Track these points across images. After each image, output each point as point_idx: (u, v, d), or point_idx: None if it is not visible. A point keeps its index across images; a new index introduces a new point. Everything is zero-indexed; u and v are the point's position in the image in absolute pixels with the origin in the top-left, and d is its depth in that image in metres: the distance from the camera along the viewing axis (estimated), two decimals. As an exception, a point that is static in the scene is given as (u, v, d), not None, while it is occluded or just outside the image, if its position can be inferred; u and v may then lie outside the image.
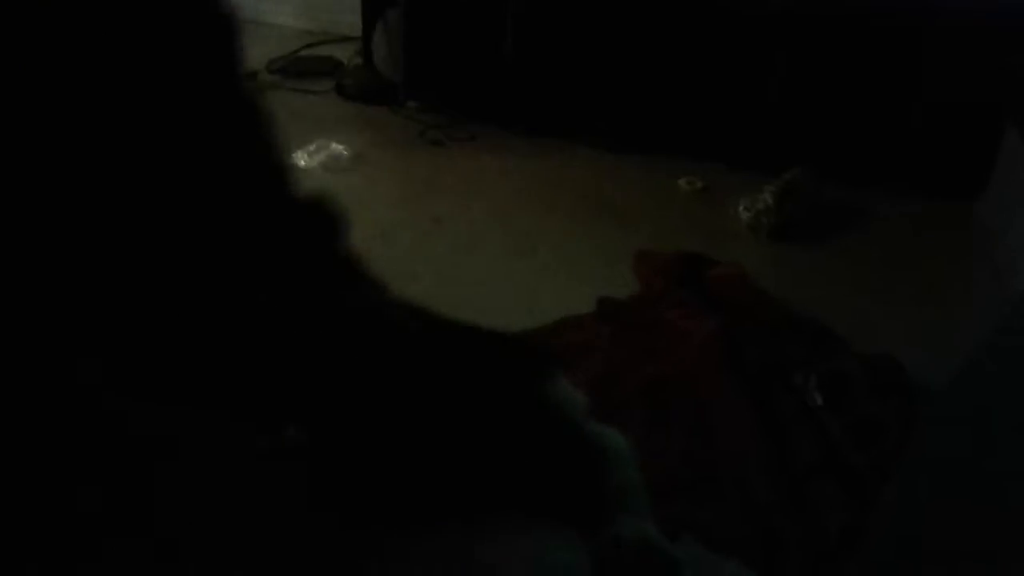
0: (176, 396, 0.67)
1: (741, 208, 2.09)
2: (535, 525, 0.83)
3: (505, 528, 0.81)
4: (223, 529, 0.74)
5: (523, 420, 0.78)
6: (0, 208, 0.52)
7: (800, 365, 1.53)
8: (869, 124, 2.22)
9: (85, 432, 0.68)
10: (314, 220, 0.73)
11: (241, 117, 0.65)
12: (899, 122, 2.19)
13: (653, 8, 2.27)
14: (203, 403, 0.69)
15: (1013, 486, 0.79)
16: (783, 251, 2.00)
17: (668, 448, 1.38)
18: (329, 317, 0.75)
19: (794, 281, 1.86)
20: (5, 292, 0.53)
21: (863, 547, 1.17)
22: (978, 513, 0.83)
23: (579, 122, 2.42)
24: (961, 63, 2.10)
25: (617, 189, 2.24)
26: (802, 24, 2.15)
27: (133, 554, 0.70)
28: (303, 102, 2.66)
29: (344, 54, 2.88)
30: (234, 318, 0.65)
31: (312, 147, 2.32)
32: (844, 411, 1.43)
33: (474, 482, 0.78)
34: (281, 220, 0.69)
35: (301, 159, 2.29)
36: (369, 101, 2.64)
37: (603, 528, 0.83)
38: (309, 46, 3.02)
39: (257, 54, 2.90)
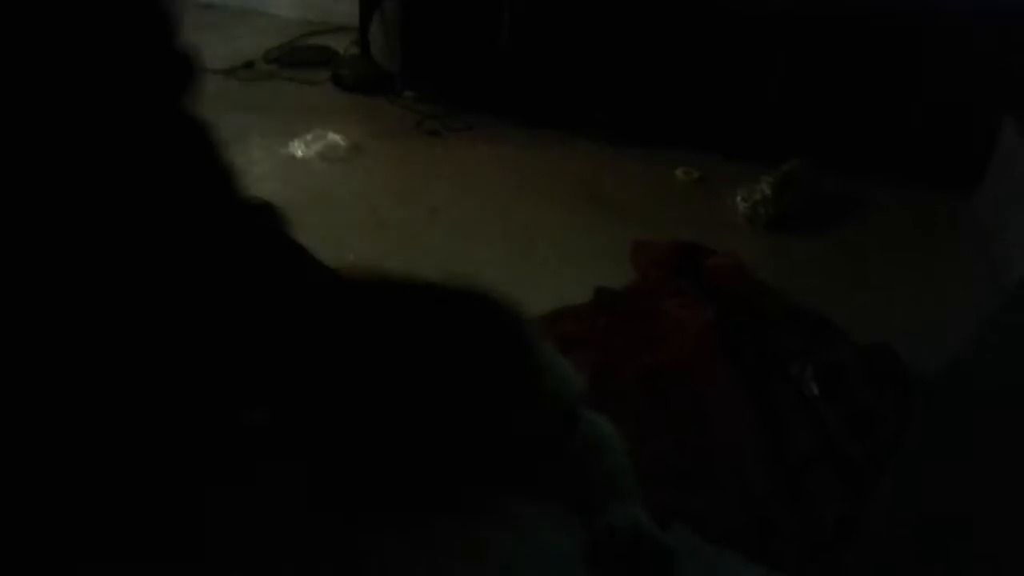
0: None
1: (738, 199, 2.08)
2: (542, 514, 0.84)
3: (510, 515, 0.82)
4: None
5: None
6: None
7: (797, 355, 1.53)
8: (867, 116, 2.22)
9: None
10: (261, 215, 0.75)
11: (190, 132, 0.67)
12: (897, 114, 2.19)
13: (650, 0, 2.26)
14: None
15: (1008, 476, 0.80)
16: (780, 242, 2.01)
17: (664, 437, 1.38)
18: (289, 298, 0.76)
19: (791, 271, 1.86)
20: None
21: (859, 537, 1.17)
22: (973, 502, 0.83)
23: (576, 113, 2.42)
24: (959, 57, 2.10)
25: (614, 179, 2.23)
26: (801, 17, 2.15)
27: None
28: (300, 92, 2.65)
29: (340, 44, 2.87)
30: (197, 305, 0.66)
31: (309, 137, 2.31)
32: (840, 401, 1.43)
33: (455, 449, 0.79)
34: (232, 216, 0.72)
35: (298, 149, 2.28)
36: (366, 91, 2.63)
37: (596, 516, 0.83)
38: (306, 36, 3.01)
39: (254, 44, 2.89)
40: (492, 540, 0.81)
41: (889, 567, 0.95)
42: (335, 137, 2.33)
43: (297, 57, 2.84)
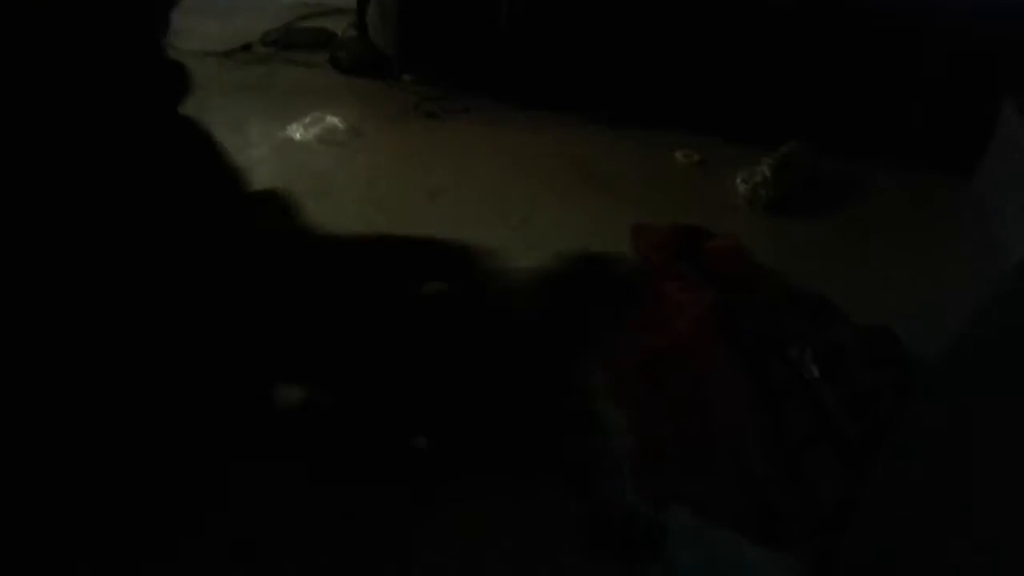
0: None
1: (738, 181, 2.08)
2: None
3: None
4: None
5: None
6: None
7: (796, 337, 1.53)
8: (867, 97, 2.21)
9: None
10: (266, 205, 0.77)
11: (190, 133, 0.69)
12: (896, 95, 2.19)
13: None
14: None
15: (1006, 456, 0.80)
16: (780, 224, 2.00)
17: (664, 421, 1.39)
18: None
19: (791, 254, 1.86)
20: None
21: (858, 518, 1.17)
22: (971, 483, 0.84)
23: (575, 95, 2.41)
24: (959, 38, 2.09)
25: (613, 162, 2.23)
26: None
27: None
28: (297, 74, 2.64)
29: (338, 26, 2.86)
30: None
31: (307, 120, 2.31)
32: (840, 383, 1.43)
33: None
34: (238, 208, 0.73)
35: (296, 132, 2.27)
36: (364, 74, 2.62)
37: (591, 494, 0.83)
38: (303, 18, 2.99)
39: (251, 26, 2.87)
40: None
41: (887, 547, 0.96)
42: (333, 120, 2.32)
43: (294, 39, 2.82)
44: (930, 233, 2.00)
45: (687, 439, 1.36)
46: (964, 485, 0.83)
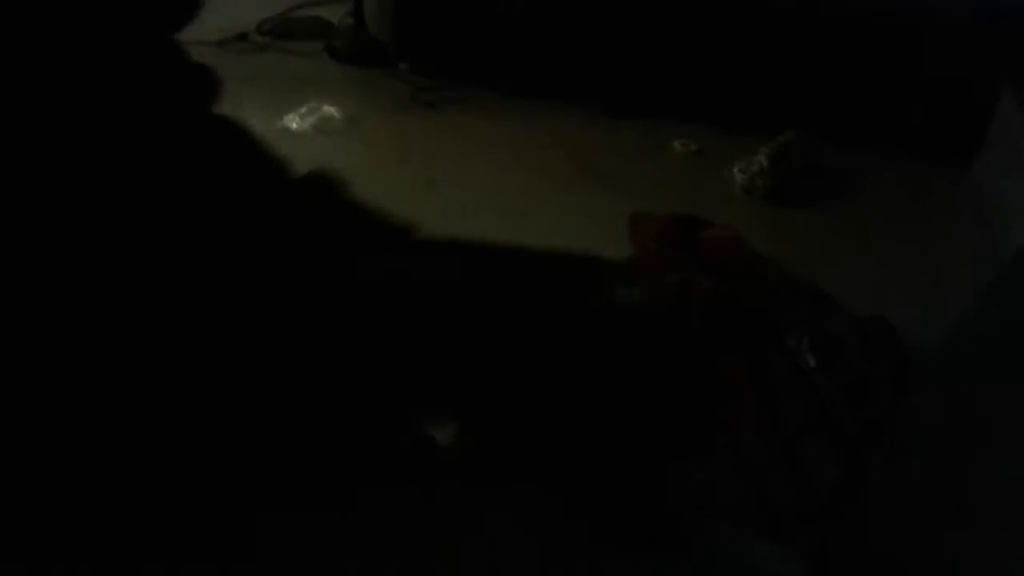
0: None
1: (736, 170, 2.08)
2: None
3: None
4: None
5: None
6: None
7: (793, 327, 1.53)
8: (865, 87, 2.20)
9: None
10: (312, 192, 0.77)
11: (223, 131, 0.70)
12: (894, 85, 2.18)
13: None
14: None
15: (1005, 447, 0.80)
16: (778, 214, 2.00)
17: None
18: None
19: (788, 243, 1.86)
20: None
21: (855, 508, 1.18)
22: (969, 474, 0.84)
23: (573, 85, 2.40)
24: (957, 27, 2.08)
25: (611, 151, 2.22)
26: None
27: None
28: (293, 64, 2.63)
29: (335, 15, 2.84)
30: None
31: (303, 109, 2.30)
32: (837, 373, 1.43)
33: None
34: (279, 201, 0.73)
35: (293, 122, 2.26)
36: (361, 63, 2.61)
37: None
38: (299, 6, 2.97)
39: (247, 15, 2.85)
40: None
41: (885, 538, 0.96)
42: (330, 110, 2.31)
43: (291, 28, 2.81)
44: (928, 223, 2.00)
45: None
46: (962, 476, 0.83)
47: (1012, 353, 0.86)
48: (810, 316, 1.56)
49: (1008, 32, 2.02)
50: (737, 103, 2.27)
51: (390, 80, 2.53)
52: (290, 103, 2.32)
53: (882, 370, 1.44)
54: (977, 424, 0.86)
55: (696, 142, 2.24)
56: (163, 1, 0.68)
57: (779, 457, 1.32)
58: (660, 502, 1.08)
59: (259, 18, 2.82)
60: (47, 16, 0.56)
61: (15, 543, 0.63)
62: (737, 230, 1.85)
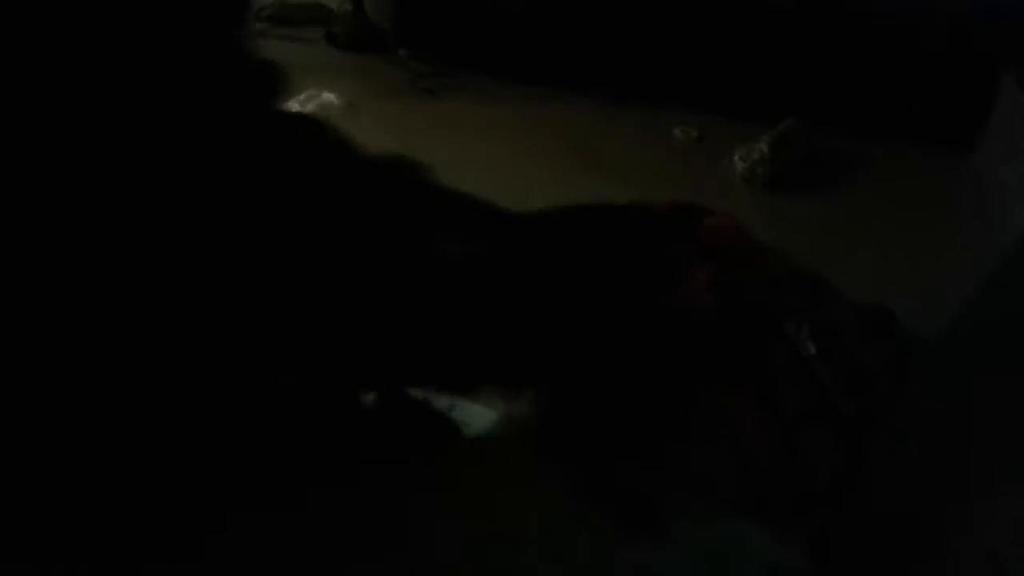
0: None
1: (736, 158, 2.07)
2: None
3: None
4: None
5: None
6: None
7: (793, 314, 1.53)
8: (866, 74, 2.20)
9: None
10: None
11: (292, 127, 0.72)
12: (895, 71, 2.17)
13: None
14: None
15: (1004, 434, 0.80)
16: (778, 201, 2.00)
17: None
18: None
19: (789, 231, 1.86)
20: None
21: (854, 495, 1.18)
22: (968, 461, 0.84)
23: (573, 70, 2.39)
24: (957, 12, 2.08)
25: (611, 138, 2.22)
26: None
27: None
28: (292, 50, 2.61)
29: (333, 1, 2.83)
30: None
31: (303, 96, 2.29)
32: (836, 360, 1.43)
33: None
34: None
35: (292, 109, 2.26)
36: (360, 49, 2.60)
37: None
38: (298, -8, 2.96)
39: (245, 1, 2.84)
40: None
41: (884, 525, 0.96)
42: (329, 96, 2.30)
43: (289, 14, 2.79)
44: (929, 210, 2.00)
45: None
46: (960, 462, 0.83)
47: (1012, 339, 0.86)
48: (810, 304, 1.56)
49: (1008, 18, 2.01)
50: (738, 90, 2.26)
51: (389, 66, 2.52)
52: (290, 90, 2.31)
53: (881, 358, 1.44)
54: (977, 410, 0.86)
55: (697, 129, 2.23)
56: None
57: (778, 445, 1.32)
58: (657, 488, 1.09)
59: (258, 4, 2.81)
60: (121, 15, 0.57)
61: (11, 542, 0.63)
62: (737, 218, 1.85)
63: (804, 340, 1.47)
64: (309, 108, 2.26)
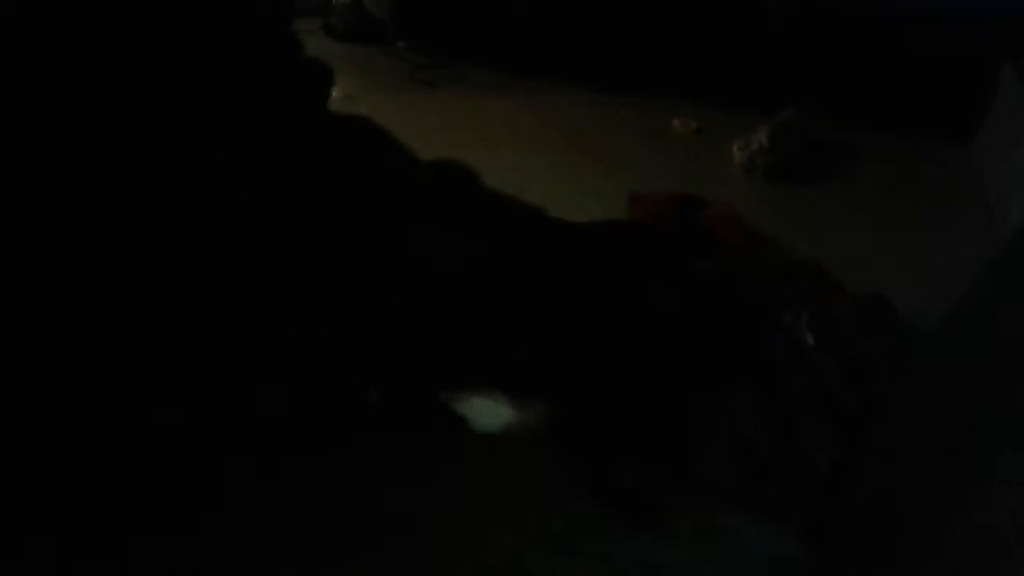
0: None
1: (735, 149, 2.07)
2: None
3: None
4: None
5: None
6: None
7: (792, 305, 1.53)
8: (865, 65, 2.19)
9: None
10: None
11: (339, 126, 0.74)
12: (894, 62, 2.17)
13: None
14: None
15: (1002, 421, 0.80)
16: (777, 192, 2.00)
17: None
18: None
19: (788, 222, 1.86)
20: None
21: (851, 486, 1.18)
22: (965, 449, 0.84)
23: (571, 62, 2.38)
24: (958, 5, 2.07)
25: (610, 130, 2.21)
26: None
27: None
28: (291, 42, 2.61)
29: (332, -8, 2.83)
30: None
31: (301, 88, 2.28)
32: (835, 350, 1.43)
33: None
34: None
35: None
36: (358, 40, 2.60)
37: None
38: (296, -16, 2.95)
39: (243, -8, 2.83)
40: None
41: (881, 514, 0.97)
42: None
43: (287, 6, 2.78)
44: (927, 200, 2.00)
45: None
46: (959, 451, 0.84)
47: (1009, 331, 0.86)
48: (809, 294, 1.56)
49: (1007, 6, 2.01)
50: (737, 81, 2.26)
51: (387, 58, 2.52)
52: (287, 81, 2.31)
53: (880, 348, 1.44)
54: (975, 399, 0.86)
55: (696, 120, 2.23)
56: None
57: (777, 435, 1.33)
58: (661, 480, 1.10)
59: (255, -4, 2.80)
60: (181, 20, 0.58)
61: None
62: (736, 209, 1.85)
63: (803, 331, 1.47)
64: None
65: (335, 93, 2.33)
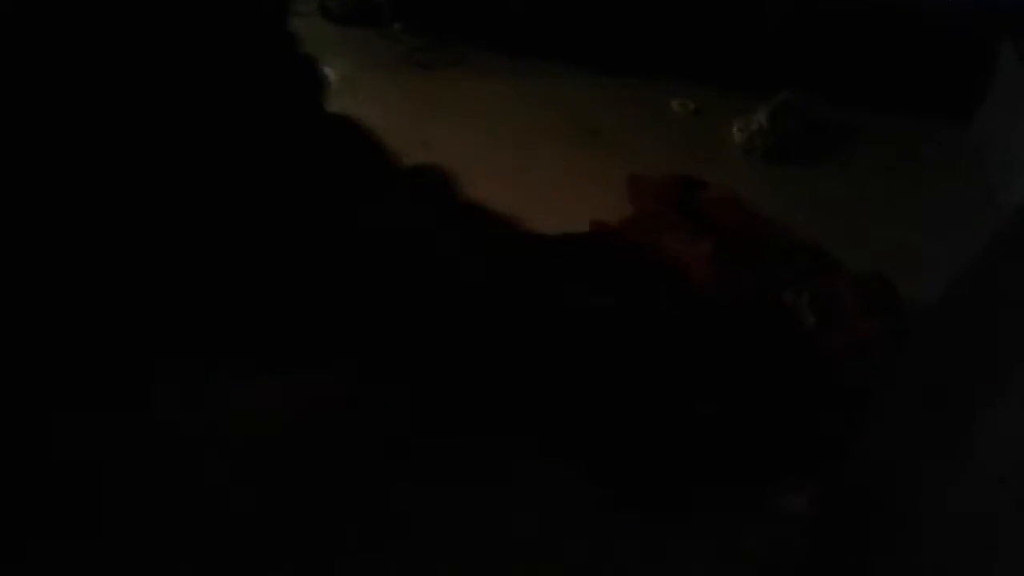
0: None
1: (735, 130, 2.07)
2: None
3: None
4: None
5: None
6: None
7: (792, 286, 1.53)
8: (864, 44, 2.18)
9: None
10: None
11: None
12: (893, 42, 2.16)
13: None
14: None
15: (999, 401, 0.80)
16: (776, 172, 1.99)
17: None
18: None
19: (787, 202, 1.86)
20: None
21: (852, 463, 1.19)
22: (964, 427, 0.84)
23: (570, 43, 2.37)
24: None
25: (609, 111, 2.20)
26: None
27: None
28: (287, 25, 2.59)
29: (328, -26, 2.80)
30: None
31: (298, 71, 2.27)
32: (835, 329, 1.44)
33: None
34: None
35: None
36: (355, 23, 2.57)
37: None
38: (291, -34, 2.92)
39: (238, -25, 2.81)
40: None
41: (884, 488, 0.97)
42: (326, 70, 2.28)
43: (283, -12, 2.76)
44: (927, 180, 1.99)
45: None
46: (960, 428, 0.84)
47: (1009, 309, 0.86)
48: (809, 274, 1.57)
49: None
50: (736, 62, 2.24)
51: (384, 40, 2.50)
52: (284, 65, 2.29)
53: (881, 327, 1.44)
54: (973, 377, 0.86)
55: (695, 101, 2.22)
56: None
57: (778, 415, 1.33)
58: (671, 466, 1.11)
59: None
60: (181, 21, 0.60)
61: None
62: (735, 190, 1.84)
63: (804, 311, 1.47)
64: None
65: (332, 76, 2.33)
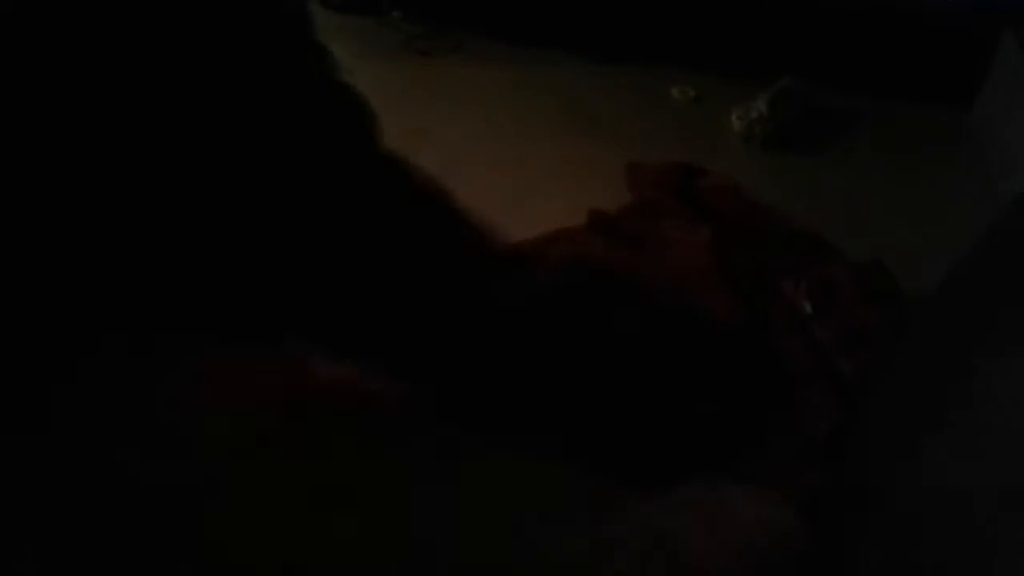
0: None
1: (734, 117, 2.06)
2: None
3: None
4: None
5: None
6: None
7: (791, 274, 1.53)
8: (864, 30, 2.17)
9: None
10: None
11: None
12: (893, 28, 2.15)
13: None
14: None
15: (998, 392, 0.80)
16: (776, 160, 1.99)
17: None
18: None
19: (787, 190, 1.85)
20: None
21: (849, 452, 1.19)
22: (963, 417, 0.84)
23: (568, 31, 2.36)
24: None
25: (608, 99, 2.20)
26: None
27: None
28: (285, 12, 2.58)
29: (325, -39, 2.79)
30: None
31: (296, 59, 2.26)
32: (834, 319, 1.43)
33: None
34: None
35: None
36: (353, 11, 2.56)
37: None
38: (289, -47, 2.91)
39: (235, -38, 2.79)
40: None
41: (879, 480, 0.97)
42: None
43: (281, -25, 2.75)
44: (927, 168, 1.99)
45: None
46: (957, 417, 0.84)
47: (1007, 297, 0.86)
48: (808, 262, 1.56)
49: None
50: (735, 48, 2.24)
51: (383, 28, 2.49)
52: (282, 52, 2.28)
53: (880, 316, 1.44)
54: (972, 366, 0.86)
55: (694, 89, 2.22)
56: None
57: (775, 404, 1.33)
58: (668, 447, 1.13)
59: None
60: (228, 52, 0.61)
61: None
62: (734, 178, 1.84)
63: (801, 299, 1.47)
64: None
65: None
